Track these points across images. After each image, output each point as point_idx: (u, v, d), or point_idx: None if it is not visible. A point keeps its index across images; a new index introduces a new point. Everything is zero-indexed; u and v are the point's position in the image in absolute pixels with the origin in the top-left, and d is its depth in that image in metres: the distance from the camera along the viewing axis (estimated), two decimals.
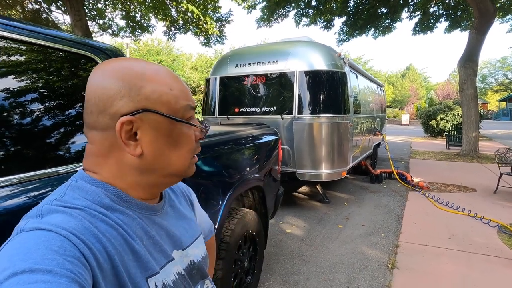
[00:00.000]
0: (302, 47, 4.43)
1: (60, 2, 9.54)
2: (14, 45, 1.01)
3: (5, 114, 0.95)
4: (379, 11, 11.62)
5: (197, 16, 9.67)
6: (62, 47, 1.14)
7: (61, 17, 13.38)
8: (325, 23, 12.20)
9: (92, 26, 11.16)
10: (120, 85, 0.49)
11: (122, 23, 12.34)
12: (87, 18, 8.51)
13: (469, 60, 9.04)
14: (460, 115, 12.35)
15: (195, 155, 0.59)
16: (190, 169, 0.58)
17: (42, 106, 1.07)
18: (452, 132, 12.14)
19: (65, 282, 0.36)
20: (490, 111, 42.29)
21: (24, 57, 1.04)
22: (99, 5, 10.72)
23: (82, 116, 1.20)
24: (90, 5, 10.55)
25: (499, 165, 5.39)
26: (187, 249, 0.63)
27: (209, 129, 0.64)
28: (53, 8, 10.27)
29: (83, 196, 0.50)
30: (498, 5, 10.10)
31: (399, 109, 40.71)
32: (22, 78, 1.02)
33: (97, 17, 11.10)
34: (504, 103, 40.15)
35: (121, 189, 0.53)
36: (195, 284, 0.63)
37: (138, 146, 0.51)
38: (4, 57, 0.98)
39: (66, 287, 0.36)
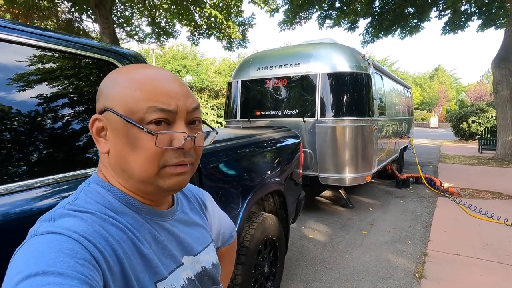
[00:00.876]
0: (324, 49, 4.36)
1: (90, 11, 9.97)
2: (48, 54, 1.05)
3: (39, 118, 0.99)
4: (406, 11, 11.26)
5: (220, 21, 9.80)
6: (90, 54, 1.18)
7: (91, 26, 13.98)
8: (349, 24, 11.99)
9: (120, 33, 11.59)
10: (102, 86, 0.54)
11: (148, 29, 12.74)
12: (114, 26, 8.84)
13: (505, 59, 8.56)
14: (494, 118, 11.72)
15: (175, 165, 0.51)
16: (164, 179, 0.51)
17: (73, 111, 1.10)
18: (485, 136, 11.53)
19: (76, 284, 0.38)
20: None
21: (56, 64, 1.09)
22: (126, 13, 11.11)
23: None
24: (118, 13, 10.97)
25: None
26: (198, 255, 0.63)
27: (212, 135, 0.58)
28: (84, 17, 10.77)
29: (94, 200, 0.52)
30: None
31: (427, 112, 39.27)
32: (55, 84, 1.06)
33: (124, 25, 11.52)
34: None
35: (127, 193, 0.54)
36: None
37: (106, 145, 0.53)
38: (39, 65, 1.03)
39: None
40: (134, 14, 11.29)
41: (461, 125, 14.31)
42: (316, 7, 11.16)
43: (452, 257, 3.09)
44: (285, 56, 4.53)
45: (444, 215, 4.32)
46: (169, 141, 0.50)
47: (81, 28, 10.83)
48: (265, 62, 4.63)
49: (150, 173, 0.51)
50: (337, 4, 11.19)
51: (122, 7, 10.79)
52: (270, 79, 4.52)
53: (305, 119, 4.19)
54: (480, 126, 13.35)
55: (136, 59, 1.40)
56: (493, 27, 11.50)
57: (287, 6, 11.01)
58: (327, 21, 11.77)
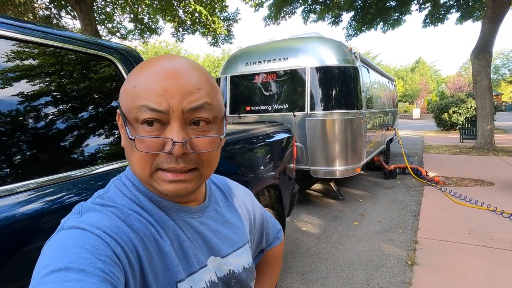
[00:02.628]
0: (312, 43, 4.38)
1: (70, 7, 9.67)
2: (43, 48, 1.02)
3: (31, 115, 0.96)
4: (387, 4, 11.43)
5: (205, 16, 9.70)
6: (86, 50, 1.16)
7: (71, 22, 13.56)
8: (333, 18, 12.07)
9: (101, 30, 11.30)
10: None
11: (131, 26, 12.47)
12: (96, 22, 8.61)
13: (483, 50, 8.83)
14: (474, 108, 12.10)
15: (166, 171, 0.48)
16: (159, 184, 0.48)
17: (57, 109, 1.07)
18: (466, 125, 11.90)
19: (96, 282, 0.38)
20: (504, 103, 41.35)
21: (52, 59, 1.06)
22: (108, 9, 10.83)
23: (104, 117, 1.20)
24: (99, 9, 10.68)
25: None
26: (227, 257, 0.60)
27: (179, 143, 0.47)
28: (63, 13, 10.44)
29: (123, 194, 0.53)
30: None
31: (410, 104, 40.13)
32: (48, 80, 1.03)
33: (106, 21, 11.23)
34: None
35: (148, 187, 0.54)
36: None
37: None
38: (18, 61, 0.99)
39: (96, 286, 0.38)
40: (116, 10, 11.02)
41: (443, 116, 14.71)
42: (300, 1, 11.20)
43: (441, 243, 3.20)
44: (273, 50, 4.54)
45: (431, 204, 4.45)
46: (160, 145, 0.46)
47: (60, 25, 10.50)
48: (253, 57, 4.62)
49: (145, 173, 0.48)
50: None
51: (103, 3, 10.51)
52: (259, 74, 4.51)
53: (295, 113, 4.21)
54: (461, 116, 13.76)
55: (128, 53, 1.37)
56: (471, 19, 11.83)
57: (271, 0, 10.99)
58: (311, 15, 11.82)
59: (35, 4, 10.13)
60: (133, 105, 0.46)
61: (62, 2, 9.28)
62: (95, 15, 9.74)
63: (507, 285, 2.43)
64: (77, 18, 8.38)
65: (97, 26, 8.83)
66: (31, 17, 10.21)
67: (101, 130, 1.18)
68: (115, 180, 0.56)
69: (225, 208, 0.65)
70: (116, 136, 1.21)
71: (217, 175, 0.72)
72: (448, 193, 4.83)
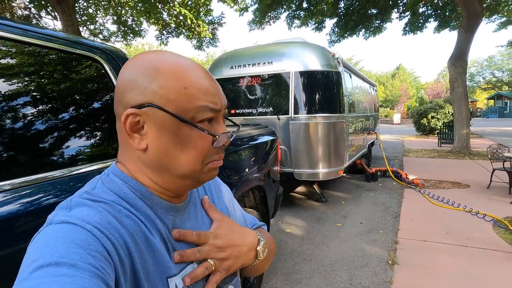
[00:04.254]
0: (296, 47, 4.46)
1: (50, 8, 9.45)
2: (30, 48, 1.01)
3: (14, 115, 0.95)
4: (369, 12, 11.77)
5: (190, 20, 9.67)
6: (72, 49, 1.15)
7: (52, 23, 13.24)
8: (317, 24, 12.32)
9: (83, 31, 11.09)
10: (133, 77, 0.49)
11: (114, 27, 12.29)
12: (78, 24, 8.45)
13: (459, 59, 9.20)
14: (451, 113, 12.52)
15: (216, 160, 0.54)
16: (206, 174, 0.54)
17: (58, 106, 1.06)
18: (444, 130, 12.30)
19: (87, 277, 0.38)
20: (479, 109, 43.00)
21: (35, 59, 1.05)
22: (90, 10, 10.65)
23: (85, 118, 1.20)
24: (81, 10, 10.48)
25: (492, 160, 5.48)
26: None
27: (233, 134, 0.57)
28: (43, 14, 10.18)
29: (111, 190, 0.51)
30: (485, 5, 10.32)
31: (390, 109, 41.15)
32: (31, 79, 1.02)
33: (88, 22, 11.03)
34: (492, 101, 40.89)
35: (146, 186, 0.53)
36: (220, 286, 0.61)
37: (143, 141, 0.50)
38: (15, 60, 0.98)
39: (88, 281, 0.38)
40: (99, 11, 10.84)
41: (422, 121, 15.14)
42: (284, 7, 11.36)
43: (420, 243, 3.30)
44: (258, 54, 4.59)
45: (411, 205, 4.59)
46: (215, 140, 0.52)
47: (40, 25, 10.23)
48: (239, 60, 4.65)
49: (196, 168, 0.52)
50: (305, 5, 11.46)
51: (85, 4, 10.32)
52: (243, 77, 4.55)
53: (279, 116, 4.27)
54: (439, 122, 14.20)
55: (114, 53, 1.37)
56: (448, 28, 12.33)
57: (256, 5, 11.10)
58: (295, 21, 12.01)
59: (13, 3, 9.84)
60: (190, 105, 0.49)
61: (43, 2, 9.05)
62: (77, 16, 9.56)
63: (481, 282, 2.54)
64: (58, 19, 8.20)
65: (79, 27, 8.67)
66: (8, 16, 9.91)
67: (85, 131, 1.17)
68: (102, 176, 0.54)
69: (198, 199, 0.66)
70: (98, 137, 1.20)
71: None
72: (427, 195, 4.99)
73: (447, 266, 2.81)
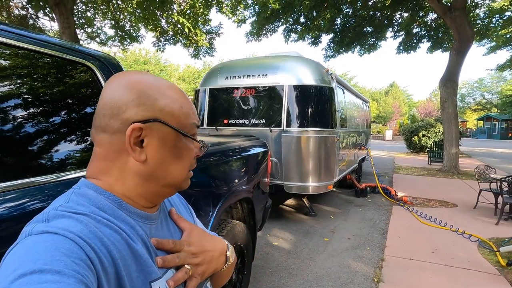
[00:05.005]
0: (291, 61, 4.52)
1: (48, 9, 9.44)
2: (23, 52, 1.01)
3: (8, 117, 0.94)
4: (364, 29, 12.04)
5: (187, 28, 9.75)
6: (65, 55, 1.15)
7: (49, 24, 13.21)
8: (313, 39, 12.53)
9: (80, 34, 11.08)
10: (137, 94, 0.54)
11: (111, 32, 12.31)
12: (75, 26, 8.45)
13: (450, 79, 9.42)
14: (441, 132, 12.73)
15: (192, 169, 0.62)
16: (185, 182, 0.61)
17: (42, 111, 1.06)
18: (434, 149, 12.47)
19: (73, 283, 0.38)
20: (468, 129, 43.80)
21: (28, 62, 1.04)
22: (89, 14, 10.66)
23: (73, 123, 1.19)
24: (79, 13, 10.50)
25: (479, 181, 5.56)
26: None
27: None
28: (40, 14, 10.16)
29: (87, 202, 0.51)
30: (476, 29, 10.64)
31: (383, 125, 41.66)
32: (22, 83, 1.02)
33: (86, 26, 11.03)
34: (482, 122, 41.74)
35: (120, 197, 0.55)
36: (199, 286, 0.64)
37: (143, 153, 0.54)
38: (8, 61, 0.98)
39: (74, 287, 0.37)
40: (97, 15, 10.86)
41: (413, 138, 15.35)
42: (282, 20, 11.54)
43: (406, 261, 3.31)
44: (253, 66, 4.64)
45: (399, 223, 4.61)
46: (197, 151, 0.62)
47: (37, 26, 10.21)
48: (234, 71, 4.69)
49: (183, 177, 0.60)
50: (302, 19, 11.67)
51: (84, 7, 10.34)
52: (238, 88, 4.58)
53: (271, 128, 4.29)
54: (429, 140, 14.41)
55: (108, 61, 1.38)
56: (440, 49, 12.66)
57: (254, 18, 11.26)
58: (292, 34, 12.21)
59: (10, 3, 9.81)
60: (187, 122, 0.58)
61: (41, 3, 9.05)
62: (75, 18, 9.57)
63: None
64: (55, 21, 8.19)
65: (76, 30, 8.66)
66: (5, 16, 9.87)
67: (74, 136, 1.17)
68: (74, 189, 0.54)
69: (167, 211, 0.69)
70: (88, 142, 1.20)
71: None
72: (415, 213, 5.02)
73: (431, 285, 2.82)
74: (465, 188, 7.19)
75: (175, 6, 9.84)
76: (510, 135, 36.24)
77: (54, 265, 0.38)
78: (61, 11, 7.14)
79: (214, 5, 10.02)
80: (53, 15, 9.02)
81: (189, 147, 0.59)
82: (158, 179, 0.56)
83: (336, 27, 12.04)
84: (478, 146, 22.47)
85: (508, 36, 12.90)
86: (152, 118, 0.54)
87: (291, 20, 11.60)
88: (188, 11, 10.07)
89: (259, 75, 4.46)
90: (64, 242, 0.42)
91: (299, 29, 12.02)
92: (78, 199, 0.52)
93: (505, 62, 15.53)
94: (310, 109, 4.28)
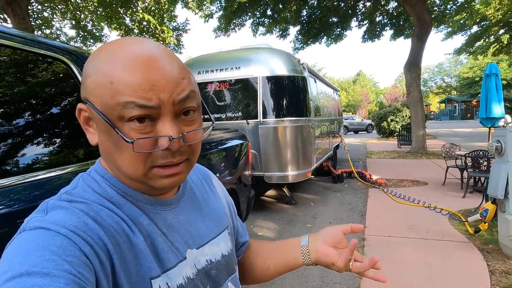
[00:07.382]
0: (263, 53, 4.55)
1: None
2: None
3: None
4: (330, 20, 12.27)
5: (153, 25, 9.50)
6: (38, 50, 1.11)
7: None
8: (281, 32, 12.61)
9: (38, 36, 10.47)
10: (85, 68, 0.47)
11: (72, 32, 11.74)
12: (32, 27, 7.98)
13: (413, 65, 9.85)
14: (408, 116, 13.30)
15: (161, 166, 0.46)
16: (154, 180, 0.47)
17: (15, 109, 1.01)
18: (402, 132, 13.03)
19: (62, 284, 0.36)
20: (432, 112, 46.11)
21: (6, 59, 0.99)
22: (45, 14, 10.10)
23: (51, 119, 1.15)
24: (35, 13, 9.91)
25: (446, 159, 5.90)
26: (202, 248, 0.58)
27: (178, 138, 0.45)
28: None
29: (91, 189, 0.49)
30: (433, 15, 11.16)
31: (353, 113, 42.88)
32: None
33: (43, 27, 10.45)
34: (444, 104, 44.10)
35: (126, 183, 0.51)
36: (217, 284, 0.59)
37: (95, 136, 0.49)
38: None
39: None
40: (55, 15, 10.31)
41: (382, 124, 15.93)
42: (249, 14, 11.52)
43: (386, 239, 3.47)
44: (226, 60, 4.62)
45: (376, 204, 4.80)
46: (155, 142, 0.44)
47: None
48: (206, 66, 4.65)
49: (138, 173, 0.46)
50: (269, 12, 11.70)
51: (40, 7, 9.77)
52: (211, 82, 4.55)
53: (248, 121, 4.31)
54: (398, 124, 15.03)
55: (79, 54, 1.34)
56: (402, 36, 13.17)
57: (221, 12, 11.16)
58: (260, 28, 12.22)
59: None
60: (115, 102, 0.42)
61: None
62: (31, 19, 9.03)
63: (442, 271, 2.72)
64: (9, 22, 7.69)
65: (34, 31, 8.19)
66: None
67: (47, 134, 1.12)
68: (84, 175, 0.52)
69: (198, 193, 0.64)
70: (60, 142, 1.15)
71: None
72: (389, 193, 5.25)
73: (411, 258, 2.98)
74: (434, 167, 7.59)
75: (139, 3, 9.54)
76: (469, 115, 38.56)
77: (43, 266, 0.37)
78: (15, 11, 6.71)
79: (180, 1, 9.81)
80: (5, 16, 8.46)
81: (126, 134, 0.43)
82: (117, 169, 0.49)
83: (302, 18, 12.19)
84: (442, 128, 23.73)
85: (462, 21, 13.67)
86: (84, 99, 0.46)
87: (258, 13, 11.60)
88: (153, 8, 9.81)
89: (232, 68, 4.45)
90: (55, 239, 0.40)
91: (266, 22, 12.05)
92: (85, 185, 0.50)
93: (461, 46, 16.46)
94: (284, 99, 4.34)
